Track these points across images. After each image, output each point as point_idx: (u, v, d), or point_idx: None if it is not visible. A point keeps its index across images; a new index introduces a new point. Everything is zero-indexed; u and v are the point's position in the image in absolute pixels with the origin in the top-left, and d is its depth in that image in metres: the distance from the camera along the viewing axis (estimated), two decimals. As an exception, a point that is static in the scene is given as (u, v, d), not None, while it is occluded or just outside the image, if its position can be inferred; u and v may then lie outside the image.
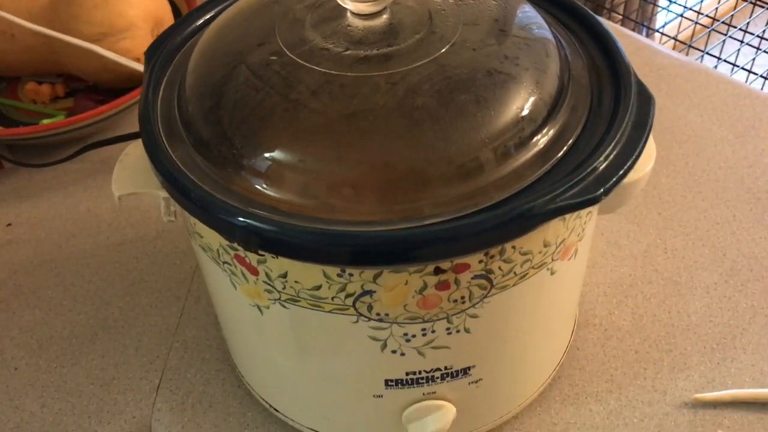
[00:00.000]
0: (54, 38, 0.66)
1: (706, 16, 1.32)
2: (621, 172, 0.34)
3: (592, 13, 0.43)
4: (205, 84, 0.38)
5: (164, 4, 0.72)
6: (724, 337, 0.51)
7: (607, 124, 0.37)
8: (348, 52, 0.37)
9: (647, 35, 1.46)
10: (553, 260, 0.38)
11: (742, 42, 1.25)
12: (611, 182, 0.34)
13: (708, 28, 1.31)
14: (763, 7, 1.22)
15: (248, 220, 0.33)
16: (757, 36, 1.25)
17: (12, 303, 0.57)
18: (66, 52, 0.67)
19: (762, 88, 1.24)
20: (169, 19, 0.72)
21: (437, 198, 0.34)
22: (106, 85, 0.70)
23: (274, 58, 0.37)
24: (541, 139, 0.36)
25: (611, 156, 0.35)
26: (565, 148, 0.36)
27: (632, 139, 0.36)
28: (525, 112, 0.36)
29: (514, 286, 0.36)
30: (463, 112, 0.35)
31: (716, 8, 1.34)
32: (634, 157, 0.35)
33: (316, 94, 0.35)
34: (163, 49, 0.44)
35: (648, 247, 0.57)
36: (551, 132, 0.36)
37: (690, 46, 1.30)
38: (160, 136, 0.38)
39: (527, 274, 0.37)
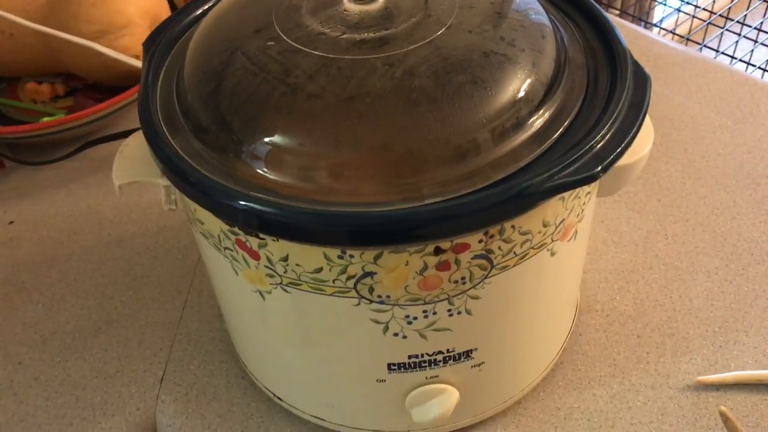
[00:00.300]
0: (52, 36, 0.66)
1: (704, 9, 1.33)
2: (618, 150, 0.34)
3: (587, -4, 0.43)
4: (203, 71, 0.39)
5: (162, 0, 0.72)
6: (726, 320, 0.51)
7: (603, 105, 0.37)
8: (345, 36, 0.37)
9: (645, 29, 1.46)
10: (552, 241, 0.38)
11: (739, 35, 1.25)
12: (609, 160, 0.34)
13: (705, 21, 1.31)
14: (760, -2, 1.23)
15: (249, 203, 0.33)
16: (755, 28, 1.25)
17: (15, 299, 0.57)
18: (65, 51, 0.68)
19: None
20: (166, 15, 0.72)
21: (436, 179, 0.34)
22: (106, 83, 0.70)
23: (272, 43, 0.38)
24: (538, 120, 0.36)
25: (608, 135, 0.35)
26: (561, 128, 0.36)
27: (629, 118, 0.36)
28: (522, 93, 0.36)
29: (514, 266, 0.37)
30: (460, 93, 0.35)
31: (713, 1, 1.34)
32: (631, 135, 0.35)
33: (313, 77, 0.36)
34: (162, 40, 0.44)
35: (648, 233, 0.57)
36: (548, 113, 0.36)
37: (688, 39, 1.30)
38: (160, 125, 0.38)
39: (527, 254, 0.37)
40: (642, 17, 1.45)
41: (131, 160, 0.42)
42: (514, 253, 0.36)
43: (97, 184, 0.66)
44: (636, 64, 0.39)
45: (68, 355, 0.53)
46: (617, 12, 1.46)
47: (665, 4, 1.38)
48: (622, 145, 0.35)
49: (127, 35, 0.68)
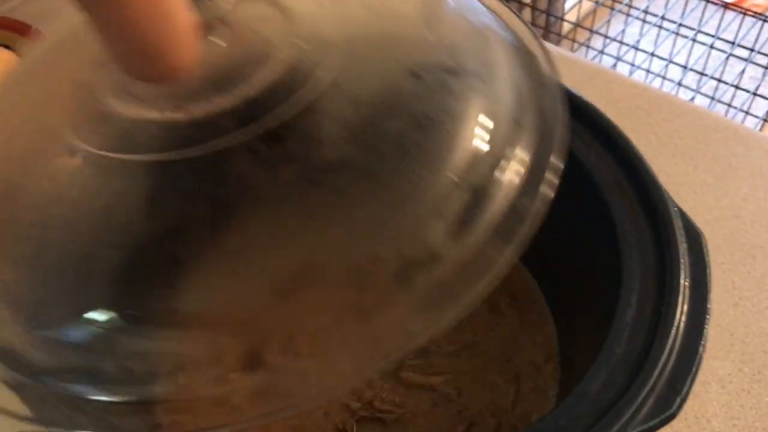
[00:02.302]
0: None
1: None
2: (694, 365, 0.26)
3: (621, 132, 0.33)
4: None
5: None
6: (754, 446, 0.44)
7: (656, 287, 0.28)
8: (186, 116, 0.22)
9: (558, 26, 1.40)
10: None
11: (644, 21, 1.21)
12: (686, 387, 0.25)
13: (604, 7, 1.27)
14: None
15: None
16: (644, 11, 1.21)
17: None
18: None
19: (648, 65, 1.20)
20: None
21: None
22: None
23: (76, 159, 0.23)
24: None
25: (678, 340, 0.26)
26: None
27: (695, 309, 0.27)
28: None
29: None
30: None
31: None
32: (704, 333, 0.27)
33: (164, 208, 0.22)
34: None
35: (647, 334, 0.49)
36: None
37: (593, 31, 1.24)
38: None
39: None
40: (554, 13, 1.38)
41: None
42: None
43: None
44: (683, 216, 0.30)
45: None
46: (530, 4, 1.39)
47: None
48: (698, 355, 0.26)
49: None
